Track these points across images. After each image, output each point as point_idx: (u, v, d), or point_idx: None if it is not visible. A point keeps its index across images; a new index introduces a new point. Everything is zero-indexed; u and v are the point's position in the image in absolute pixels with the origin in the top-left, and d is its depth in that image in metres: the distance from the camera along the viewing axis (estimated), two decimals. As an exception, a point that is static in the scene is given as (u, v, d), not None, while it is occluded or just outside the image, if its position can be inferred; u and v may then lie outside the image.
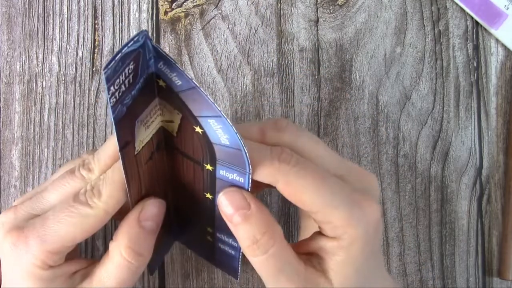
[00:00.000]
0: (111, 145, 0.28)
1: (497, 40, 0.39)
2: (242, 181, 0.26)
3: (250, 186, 0.26)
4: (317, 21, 0.39)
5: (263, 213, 0.26)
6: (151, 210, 0.28)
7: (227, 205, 0.26)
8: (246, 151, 0.24)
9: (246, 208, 0.26)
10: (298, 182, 0.25)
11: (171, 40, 0.38)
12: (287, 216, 0.38)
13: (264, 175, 0.25)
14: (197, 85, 0.23)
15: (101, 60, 0.38)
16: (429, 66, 0.39)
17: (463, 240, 0.39)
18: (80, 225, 0.27)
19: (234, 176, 0.26)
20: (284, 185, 0.25)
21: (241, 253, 0.30)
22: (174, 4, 0.39)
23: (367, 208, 0.26)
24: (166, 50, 0.38)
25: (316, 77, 0.39)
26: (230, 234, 0.29)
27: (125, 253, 0.28)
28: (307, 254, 0.28)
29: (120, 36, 0.38)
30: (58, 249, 0.27)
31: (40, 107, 0.38)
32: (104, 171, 0.28)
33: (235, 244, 0.30)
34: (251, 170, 0.25)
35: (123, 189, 0.27)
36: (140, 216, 0.28)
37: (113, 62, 0.21)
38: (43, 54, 0.38)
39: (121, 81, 0.23)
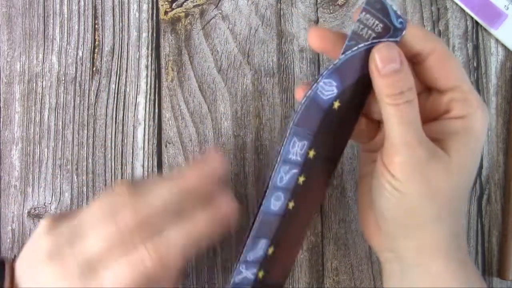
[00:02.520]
0: None
1: (497, 40, 0.39)
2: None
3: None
4: (317, 21, 0.39)
5: (410, 72, 0.28)
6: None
7: (381, 57, 0.27)
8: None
9: (399, 63, 0.27)
10: (447, 54, 0.29)
11: (171, 40, 0.38)
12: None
13: (427, 38, 0.28)
14: None
15: (101, 60, 0.38)
16: (429, 66, 0.39)
17: (463, 240, 0.39)
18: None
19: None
20: (441, 51, 0.28)
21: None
22: (174, 4, 0.39)
23: (485, 105, 0.30)
24: (166, 50, 0.38)
25: (316, 77, 0.39)
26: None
27: None
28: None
29: (120, 36, 0.38)
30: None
31: (40, 107, 0.38)
32: None
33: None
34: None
35: None
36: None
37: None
38: (43, 54, 0.38)
39: (367, 22, 0.27)
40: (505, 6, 0.38)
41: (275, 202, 0.29)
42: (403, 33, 0.27)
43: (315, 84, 0.28)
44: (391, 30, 0.27)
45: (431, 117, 0.30)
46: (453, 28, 0.39)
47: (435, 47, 0.28)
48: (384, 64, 0.27)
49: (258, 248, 0.29)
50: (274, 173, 0.28)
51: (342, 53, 0.27)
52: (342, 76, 0.28)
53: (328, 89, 0.28)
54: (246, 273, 0.29)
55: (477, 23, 0.39)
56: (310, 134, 0.28)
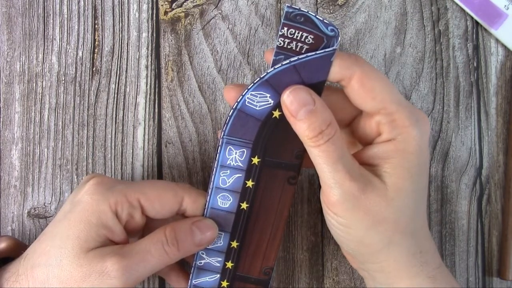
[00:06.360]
0: None
1: (497, 40, 0.39)
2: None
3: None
4: (317, 21, 0.39)
5: (326, 107, 0.28)
6: (207, 227, 0.31)
7: (292, 102, 0.27)
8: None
9: (311, 104, 0.27)
10: (373, 75, 0.28)
11: (171, 40, 0.38)
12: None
13: (343, 65, 0.27)
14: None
15: (101, 60, 0.38)
16: (429, 66, 0.39)
17: (463, 240, 0.39)
18: (160, 195, 0.31)
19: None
20: (360, 75, 0.27)
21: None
22: (174, 4, 0.39)
23: (423, 118, 0.29)
24: (166, 50, 0.38)
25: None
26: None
27: (167, 232, 0.31)
28: (361, 164, 0.29)
29: (120, 36, 0.38)
30: (134, 201, 0.30)
31: (40, 107, 0.38)
32: None
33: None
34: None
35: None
36: (195, 223, 0.31)
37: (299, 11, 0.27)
38: (43, 54, 0.38)
39: (294, 35, 0.28)
40: (505, 6, 0.38)
41: (223, 201, 0.31)
42: (339, 39, 0.28)
43: (240, 97, 0.29)
44: (324, 39, 0.28)
45: (367, 141, 0.30)
46: (453, 28, 0.39)
47: (353, 72, 0.28)
48: (298, 107, 0.27)
49: (216, 239, 0.32)
50: (213, 176, 0.31)
51: (271, 67, 0.28)
52: (276, 87, 0.29)
53: (261, 101, 0.29)
54: (208, 259, 0.33)
55: (477, 23, 0.39)
56: (249, 143, 0.30)
